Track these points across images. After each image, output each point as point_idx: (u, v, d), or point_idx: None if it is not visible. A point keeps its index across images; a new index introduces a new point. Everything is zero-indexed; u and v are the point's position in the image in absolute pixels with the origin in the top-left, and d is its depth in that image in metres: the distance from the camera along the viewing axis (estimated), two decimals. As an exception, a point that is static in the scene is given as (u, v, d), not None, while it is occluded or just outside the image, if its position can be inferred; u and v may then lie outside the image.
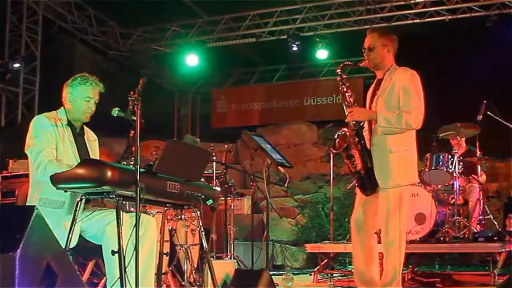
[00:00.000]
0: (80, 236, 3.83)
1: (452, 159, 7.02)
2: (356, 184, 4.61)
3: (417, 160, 4.62)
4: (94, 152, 4.21)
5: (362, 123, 4.55)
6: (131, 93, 3.60)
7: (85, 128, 4.24)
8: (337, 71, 4.66)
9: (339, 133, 4.54)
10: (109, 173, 3.40)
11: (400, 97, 4.42)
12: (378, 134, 4.45)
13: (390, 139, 4.42)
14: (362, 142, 4.49)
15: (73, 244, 3.62)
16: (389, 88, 4.49)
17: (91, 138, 4.27)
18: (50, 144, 3.89)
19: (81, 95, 4.07)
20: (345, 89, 4.61)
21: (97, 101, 4.14)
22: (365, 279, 4.58)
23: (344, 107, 4.62)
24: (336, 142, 4.55)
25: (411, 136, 4.51)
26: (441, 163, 7.06)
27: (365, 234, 4.57)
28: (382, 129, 4.42)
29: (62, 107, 4.13)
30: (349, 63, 4.85)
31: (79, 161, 3.88)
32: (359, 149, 4.47)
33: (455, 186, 6.95)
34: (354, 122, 4.51)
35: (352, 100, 4.59)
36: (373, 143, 4.48)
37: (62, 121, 4.05)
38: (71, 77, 4.18)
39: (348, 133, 4.49)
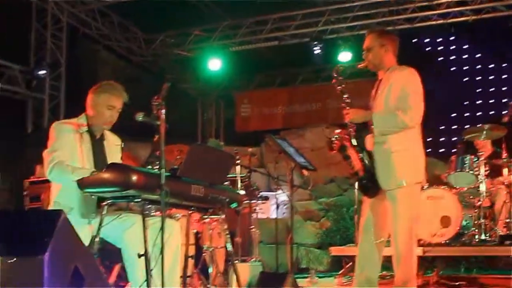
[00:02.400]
0: (105, 239, 3.87)
1: (477, 161, 6.95)
2: (358, 186, 4.58)
3: (423, 158, 4.47)
4: (114, 157, 4.21)
5: (362, 124, 4.50)
6: (155, 98, 3.62)
7: (107, 133, 4.26)
8: (333, 74, 4.64)
9: (335, 136, 4.50)
10: (134, 178, 3.43)
11: (397, 96, 4.34)
12: (377, 134, 4.38)
13: (390, 139, 4.34)
14: (359, 143, 4.45)
15: None
16: (387, 88, 4.43)
17: (113, 143, 4.29)
18: (64, 148, 3.93)
19: (105, 103, 4.10)
20: (341, 91, 4.60)
21: (119, 110, 4.16)
22: (364, 283, 4.48)
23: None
24: (334, 143, 4.50)
25: (412, 134, 4.38)
26: (466, 165, 7.00)
27: (372, 237, 4.47)
28: (377, 129, 4.36)
29: (83, 114, 4.17)
30: (342, 67, 4.77)
31: (93, 167, 3.93)
32: (356, 150, 4.43)
33: (481, 189, 6.88)
34: (352, 123, 4.49)
35: (349, 101, 4.57)
36: (375, 144, 4.42)
37: (82, 127, 4.08)
38: (95, 83, 4.22)
39: (341, 135, 4.47)
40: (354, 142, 4.46)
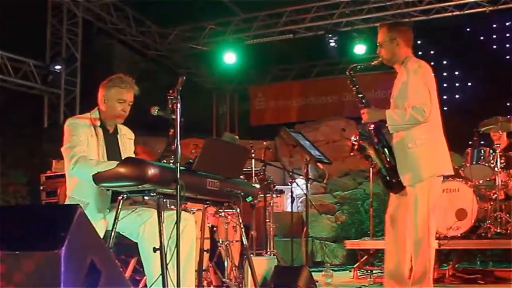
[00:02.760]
0: (121, 233, 3.89)
1: (493, 154, 6.90)
2: (381, 182, 4.59)
3: (443, 151, 4.46)
4: (128, 151, 4.23)
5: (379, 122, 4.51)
6: (170, 92, 3.63)
7: (121, 127, 4.27)
8: (347, 73, 4.63)
9: (354, 137, 4.55)
10: (150, 172, 3.44)
11: (407, 91, 4.34)
12: (393, 132, 4.41)
13: (406, 134, 4.35)
14: (381, 141, 4.48)
15: None
16: (400, 82, 4.43)
17: (127, 136, 4.30)
18: (82, 142, 3.95)
19: (115, 97, 4.10)
20: (355, 91, 4.62)
21: (131, 103, 4.17)
22: (395, 277, 4.51)
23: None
24: (355, 144, 4.56)
25: (428, 128, 4.35)
26: (482, 158, 6.95)
27: (398, 231, 4.50)
28: (390, 127, 4.37)
29: (96, 108, 4.19)
30: (357, 65, 4.75)
31: (107, 161, 3.96)
32: (375, 149, 4.46)
33: (497, 181, 6.82)
34: (368, 123, 4.52)
35: (364, 101, 4.59)
36: (393, 141, 4.45)
37: (95, 122, 4.09)
38: (108, 77, 4.24)
39: (358, 136, 4.51)
40: (376, 141, 4.48)
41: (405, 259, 4.48)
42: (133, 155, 4.26)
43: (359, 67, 4.70)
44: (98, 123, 4.10)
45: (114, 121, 4.18)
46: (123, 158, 4.04)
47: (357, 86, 4.61)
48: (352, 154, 4.65)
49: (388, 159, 4.45)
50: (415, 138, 4.32)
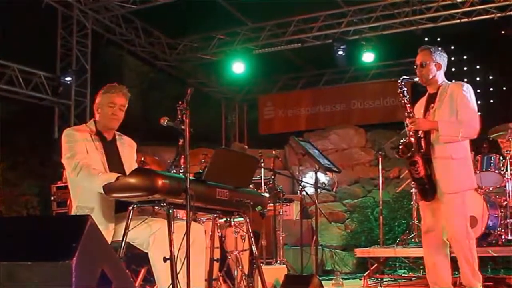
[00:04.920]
0: (132, 243, 3.92)
1: (503, 161, 6.88)
2: (418, 190, 4.87)
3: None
4: (127, 159, 4.27)
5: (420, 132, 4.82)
6: (180, 103, 3.67)
7: (119, 135, 4.33)
8: (398, 86, 4.88)
9: (403, 140, 4.78)
10: (159, 182, 3.47)
11: (457, 109, 4.71)
12: (439, 143, 4.71)
13: (450, 147, 4.70)
14: (422, 150, 4.77)
15: None
16: (446, 101, 4.76)
17: (127, 145, 4.35)
18: (82, 150, 4.01)
19: (106, 102, 4.19)
20: (405, 101, 4.86)
21: (122, 107, 4.22)
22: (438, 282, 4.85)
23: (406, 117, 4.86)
24: (400, 149, 4.79)
25: (467, 144, 4.83)
26: (492, 164, 6.94)
27: (436, 239, 4.84)
28: (443, 138, 4.68)
29: (92, 119, 4.26)
30: (408, 78, 5.02)
31: (107, 170, 4.00)
32: (422, 156, 4.73)
33: (507, 188, 6.81)
34: (414, 131, 4.78)
35: (411, 111, 4.87)
36: (434, 151, 4.75)
37: (91, 131, 4.16)
38: None
39: (413, 141, 4.74)
40: (420, 148, 4.77)
41: (447, 266, 4.86)
42: (135, 164, 4.30)
43: (408, 79, 5.00)
44: (95, 132, 4.15)
45: (109, 128, 4.22)
46: (124, 166, 4.09)
47: (407, 96, 4.88)
48: (400, 157, 4.88)
49: (428, 168, 4.74)
50: (458, 151, 4.73)
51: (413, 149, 4.71)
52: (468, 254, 4.67)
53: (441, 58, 4.90)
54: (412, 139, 4.75)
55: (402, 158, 4.82)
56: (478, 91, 11.18)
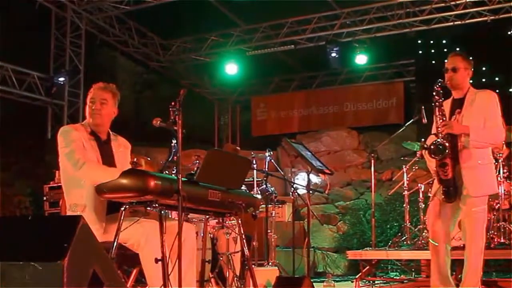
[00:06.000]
0: (123, 244, 3.91)
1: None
2: (442, 191, 4.91)
3: None
4: (121, 159, 4.25)
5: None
6: (172, 104, 3.67)
7: (114, 136, 4.32)
8: (435, 88, 4.92)
9: (436, 142, 4.84)
10: (151, 183, 3.47)
11: (485, 116, 4.88)
12: (468, 147, 4.83)
13: (477, 152, 4.85)
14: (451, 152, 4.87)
15: None
16: (474, 108, 4.91)
17: (122, 146, 4.34)
18: (81, 147, 4.01)
19: (88, 100, 4.21)
20: (439, 103, 4.94)
21: (105, 101, 4.17)
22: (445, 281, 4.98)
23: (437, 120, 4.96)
24: (432, 149, 4.85)
25: (490, 150, 5.03)
26: (484, 167, 6.95)
27: (445, 241, 4.96)
28: (473, 143, 4.81)
29: (85, 120, 4.27)
30: (442, 81, 5.03)
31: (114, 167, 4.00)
32: (451, 159, 4.84)
33: (499, 191, 6.83)
34: (445, 134, 4.86)
35: (444, 113, 4.95)
36: (462, 155, 4.87)
37: (86, 131, 4.15)
38: None
39: (446, 144, 4.81)
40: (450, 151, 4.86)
41: (447, 266, 4.99)
42: (129, 165, 4.29)
43: (442, 83, 5.03)
44: (90, 131, 4.15)
45: (95, 124, 4.20)
46: (117, 166, 4.08)
47: (442, 99, 4.96)
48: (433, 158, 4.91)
49: (455, 170, 4.86)
50: (484, 157, 4.91)
51: (446, 151, 4.79)
52: (479, 256, 4.84)
53: (471, 65, 5.05)
54: (445, 141, 4.82)
55: (433, 159, 4.88)
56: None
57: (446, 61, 5.09)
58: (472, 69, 5.07)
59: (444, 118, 4.92)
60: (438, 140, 4.84)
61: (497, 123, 4.89)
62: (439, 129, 4.87)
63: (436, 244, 4.94)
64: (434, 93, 4.95)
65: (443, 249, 4.95)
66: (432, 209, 5.05)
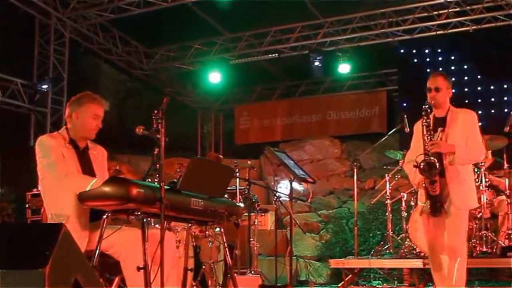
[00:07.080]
0: (105, 252, 3.90)
1: (478, 172, 6.95)
2: (430, 206, 5.11)
3: None
4: (100, 167, 4.25)
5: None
6: (155, 112, 3.68)
7: (92, 144, 4.31)
8: (423, 109, 5.12)
9: (427, 160, 4.99)
10: (134, 191, 3.47)
11: (468, 135, 5.12)
12: (454, 164, 5.06)
13: (462, 169, 5.12)
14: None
15: None
16: (456, 126, 5.14)
17: (99, 153, 4.32)
18: (61, 158, 3.99)
19: (89, 113, 4.15)
20: (428, 123, 5.12)
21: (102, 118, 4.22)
22: None
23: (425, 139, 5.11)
24: (422, 167, 4.98)
25: (471, 167, 5.34)
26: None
27: (440, 253, 5.15)
28: (459, 161, 5.06)
29: (64, 127, 4.22)
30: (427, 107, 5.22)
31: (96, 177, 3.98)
32: (440, 176, 5.03)
33: (482, 200, 6.86)
34: (433, 152, 5.03)
35: (432, 133, 5.13)
36: (448, 171, 5.08)
37: (65, 139, 4.13)
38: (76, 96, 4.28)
39: (435, 162, 4.96)
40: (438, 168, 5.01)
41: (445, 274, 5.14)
42: (107, 173, 4.28)
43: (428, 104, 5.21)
44: (68, 140, 4.13)
45: (86, 138, 4.20)
46: (96, 176, 4.07)
47: (430, 119, 5.18)
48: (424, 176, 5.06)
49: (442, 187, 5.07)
50: (468, 173, 5.20)
51: (436, 170, 4.96)
52: (461, 265, 5.00)
53: (452, 84, 5.29)
54: (434, 160, 4.96)
55: (424, 176, 5.03)
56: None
57: (428, 80, 5.25)
58: (452, 88, 5.28)
59: (431, 138, 5.09)
60: (429, 158, 4.99)
61: (478, 142, 5.15)
62: (427, 147, 5.05)
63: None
64: (422, 113, 5.13)
65: (444, 261, 5.13)
66: (425, 226, 5.25)
